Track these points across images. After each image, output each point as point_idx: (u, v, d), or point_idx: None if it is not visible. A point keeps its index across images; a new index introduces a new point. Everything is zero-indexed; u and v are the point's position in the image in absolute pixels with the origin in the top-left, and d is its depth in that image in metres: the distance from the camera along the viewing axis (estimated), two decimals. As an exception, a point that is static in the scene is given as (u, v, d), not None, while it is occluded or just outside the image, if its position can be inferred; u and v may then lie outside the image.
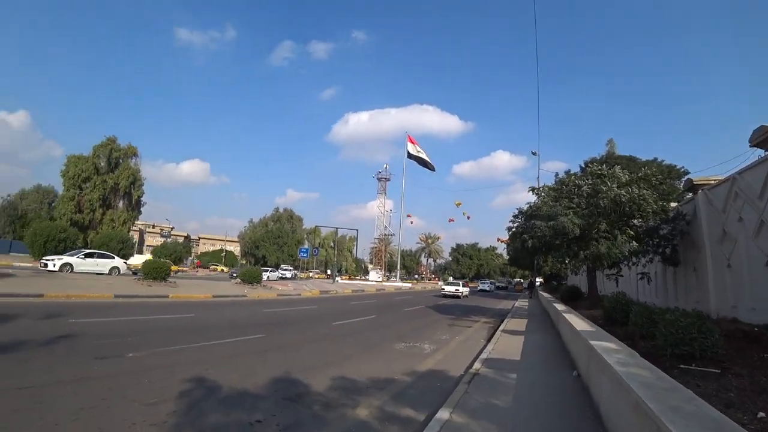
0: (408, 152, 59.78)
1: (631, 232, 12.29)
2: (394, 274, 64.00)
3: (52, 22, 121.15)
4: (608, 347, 4.73)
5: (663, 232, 13.35)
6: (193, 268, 58.90)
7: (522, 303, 27.15)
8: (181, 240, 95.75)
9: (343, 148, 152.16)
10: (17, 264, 25.28)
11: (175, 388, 4.84)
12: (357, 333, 10.80)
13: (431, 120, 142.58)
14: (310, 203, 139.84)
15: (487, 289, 49.62)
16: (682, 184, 13.21)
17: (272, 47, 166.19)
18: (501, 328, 12.03)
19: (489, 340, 10.12)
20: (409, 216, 62.45)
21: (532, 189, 13.73)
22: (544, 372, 6.50)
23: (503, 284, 69.16)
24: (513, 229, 13.62)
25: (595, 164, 13.36)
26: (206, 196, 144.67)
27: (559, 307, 12.72)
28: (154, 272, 19.27)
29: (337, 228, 64.60)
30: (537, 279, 53.94)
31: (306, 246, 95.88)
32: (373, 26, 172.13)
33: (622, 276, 15.75)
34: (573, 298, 19.47)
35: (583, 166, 13.79)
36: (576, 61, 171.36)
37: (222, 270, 61.49)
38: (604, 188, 11.95)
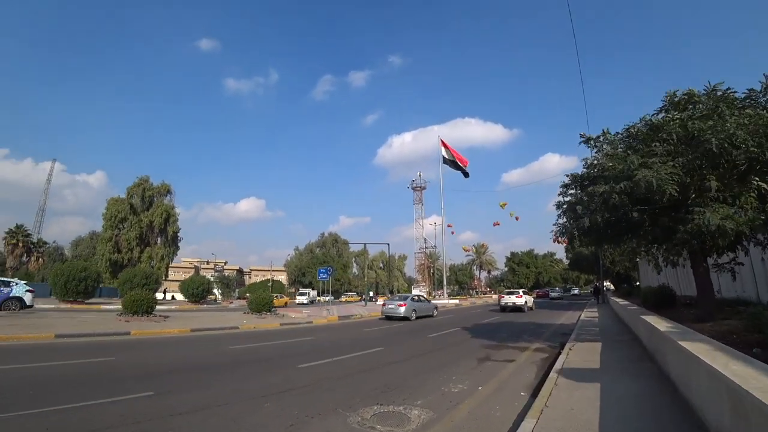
0: (443, 157, 55.18)
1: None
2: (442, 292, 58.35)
3: (107, 87, 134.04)
4: None
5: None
6: (228, 300, 57.49)
7: (590, 314, 21.43)
8: (233, 273, 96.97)
9: (391, 171, 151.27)
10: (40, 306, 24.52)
11: None
12: (318, 384, 6.73)
13: (475, 132, 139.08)
14: (363, 228, 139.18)
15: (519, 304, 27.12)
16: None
17: (313, 83, 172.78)
18: (558, 364, 7.35)
19: (535, 395, 5.63)
20: (449, 225, 57.22)
21: (587, 139, 8.94)
22: None
23: (557, 293, 58.73)
24: (564, 205, 8.85)
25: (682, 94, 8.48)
26: (264, 230, 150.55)
27: (656, 322, 7.79)
28: (134, 306, 16.67)
29: (365, 243, 60.93)
30: (606, 283, 46.31)
31: (355, 269, 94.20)
32: (407, 48, 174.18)
33: (742, 264, 10.41)
34: (663, 304, 13.94)
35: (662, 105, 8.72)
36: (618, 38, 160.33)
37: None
38: (708, 123, 7.15)
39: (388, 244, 58.44)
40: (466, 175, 53.45)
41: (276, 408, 5.37)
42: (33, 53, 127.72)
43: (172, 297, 50.25)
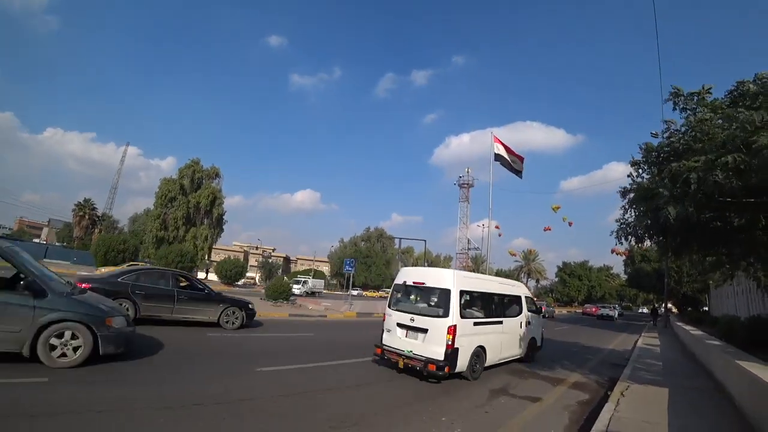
0: (495, 154, 51.47)
1: None
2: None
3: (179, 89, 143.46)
4: None
5: None
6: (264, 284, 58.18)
7: (649, 341, 17.93)
8: (279, 261, 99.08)
9: (447, 171, 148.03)
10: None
11: None
12: (257, 402, 4.90)
13: (535, 136, 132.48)
14: (414, 226, 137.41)
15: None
16: None
17: (376, 81, 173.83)
18: (602, 420, 4.91)
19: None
20: (497, 227, 53.49)
21: (676, 94, 6.07)
22: None
23: (617, 311, 43.09)
24: (630, 193, 6.27)
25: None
26: (317, 222, 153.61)
27: None
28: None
29: (400, 238, 58.71)
30: (668, 305, 40.61)
31: (401, 265, 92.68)
32: (471, 49, 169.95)
33: None
34: (758, 342, 10.62)
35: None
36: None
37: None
38: None
39: (425, 241, 55.28)
40: (519, 175, 49.52)
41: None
42: (123, 49, 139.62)
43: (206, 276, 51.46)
